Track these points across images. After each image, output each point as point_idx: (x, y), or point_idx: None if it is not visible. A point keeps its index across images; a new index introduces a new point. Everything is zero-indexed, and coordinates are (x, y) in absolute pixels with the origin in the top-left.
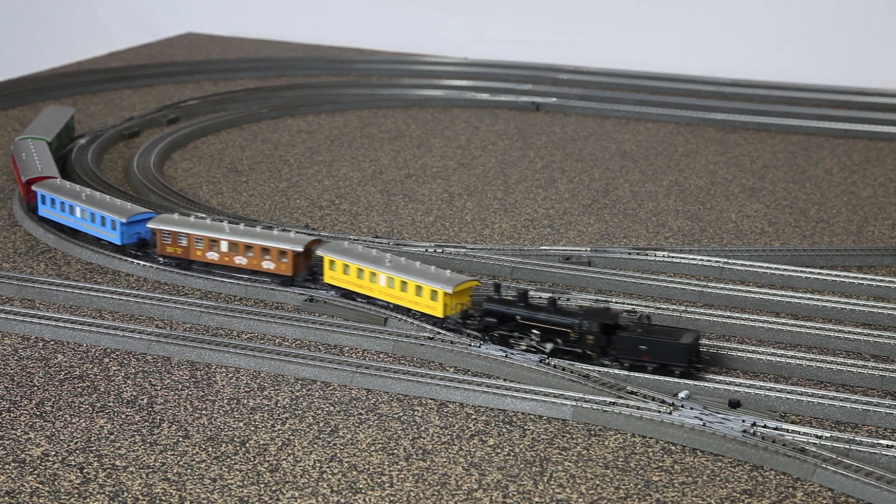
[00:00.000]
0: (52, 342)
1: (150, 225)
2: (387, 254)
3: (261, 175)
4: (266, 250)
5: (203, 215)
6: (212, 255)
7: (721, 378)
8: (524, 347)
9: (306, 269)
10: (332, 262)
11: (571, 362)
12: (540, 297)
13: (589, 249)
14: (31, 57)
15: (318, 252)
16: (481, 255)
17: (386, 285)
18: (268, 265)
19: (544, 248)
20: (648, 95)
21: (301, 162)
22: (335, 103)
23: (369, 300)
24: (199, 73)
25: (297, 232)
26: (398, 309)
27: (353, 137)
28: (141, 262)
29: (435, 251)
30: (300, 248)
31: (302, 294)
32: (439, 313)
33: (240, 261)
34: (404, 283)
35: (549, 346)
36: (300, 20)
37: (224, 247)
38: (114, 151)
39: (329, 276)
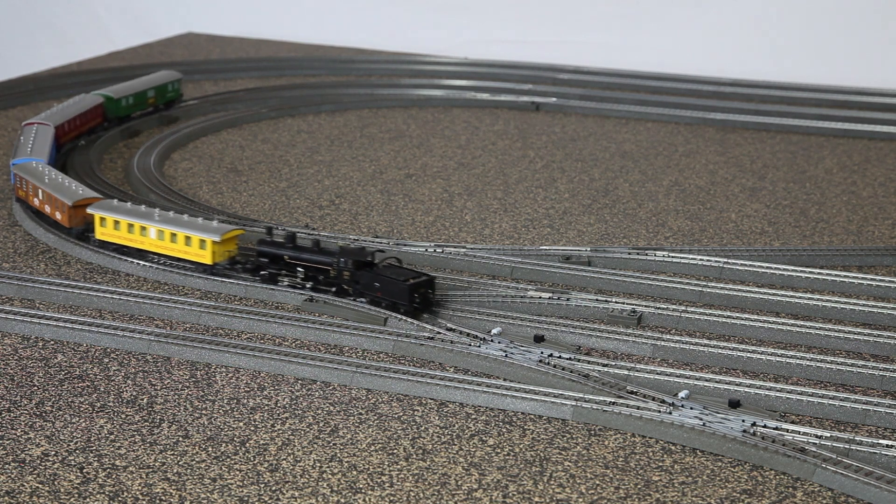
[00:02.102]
0: (52, 342)
1: (13, 170)
2: (156, 209)
3: (261, 175)
4: (57, 202)
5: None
6: (35, 201)
7: (721, 378)
8: (287, 284)
9: (83, 224)
10: (102, 219)
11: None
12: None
13: (589, 249)
14: (31, 57)
15: (89, 210)
16: (481, 254)
17: (156, 238)
18: (58, 215)
19: (544, 247)
20: (648, 95)
21: (301, 162)
22: (335, 103)
23: (140, 252)
24: (199, 73)
25: (84, 189)
26: (169, 259)
27: (353, 137)
28: (140, 262)
29: (435, 251)
30: (70, 203)
31: (302, 294)
32: (208, 260)
33: (47, 209)
34: (174, 234)
35: (309, 284)
36: (300, 20)
37: (41, 195)
38: (114, 151)
39: (101, 233)
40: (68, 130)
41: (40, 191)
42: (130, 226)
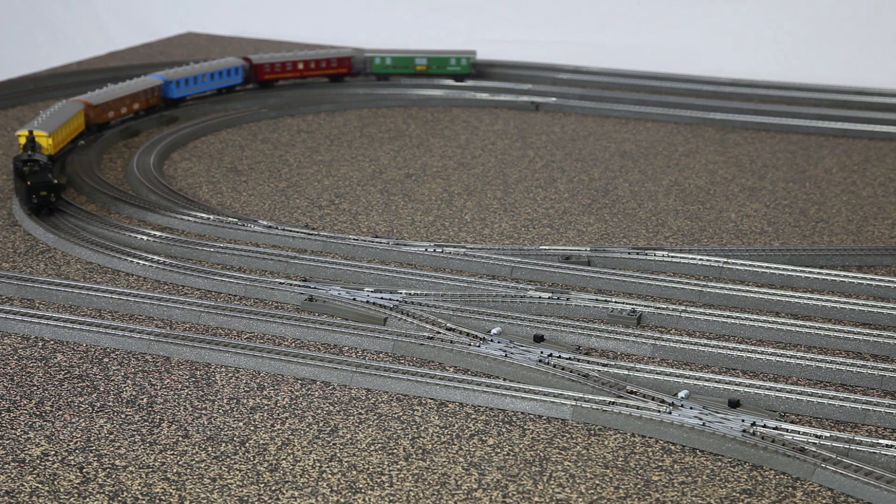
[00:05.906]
0: (52, 342)
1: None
2: None
3: (260, 175)
4: None
5: None
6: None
7: (721, 378)
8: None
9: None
10: None
11: (570, 361)
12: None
13: (589, 249)
14: (31, 57)
15: None
16: (481, 254)
17: None
18: None
19: (544, 247)
20: (648, 95)
21: (301, 162)
22: (335, 103)
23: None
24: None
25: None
26: None
27: (352, 137)
28: (141, 262)
29: (435, 251)
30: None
31: (302, 294)
32: None
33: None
34: None
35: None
36: (300, 20)
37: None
38: (113, 151)
39: None
40: (290, 69)
41: None
42: None
